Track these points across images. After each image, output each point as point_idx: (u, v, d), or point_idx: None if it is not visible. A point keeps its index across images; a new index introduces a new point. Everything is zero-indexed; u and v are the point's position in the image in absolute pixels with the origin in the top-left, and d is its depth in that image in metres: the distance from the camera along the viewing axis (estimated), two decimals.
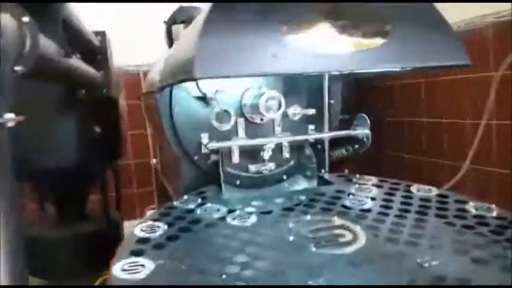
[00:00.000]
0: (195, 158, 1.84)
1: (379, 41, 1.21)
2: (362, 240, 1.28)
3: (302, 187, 1.95)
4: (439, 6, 1.28)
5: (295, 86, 1.98)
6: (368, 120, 1.91)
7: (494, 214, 1.42)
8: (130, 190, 4.03)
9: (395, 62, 1.22)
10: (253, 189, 1.92)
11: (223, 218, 1.46)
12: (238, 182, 1.91)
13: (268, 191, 1.93)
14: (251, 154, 1.91)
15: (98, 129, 2.80)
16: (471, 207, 1.49)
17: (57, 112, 2.79)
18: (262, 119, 1.91)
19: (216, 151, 1.82)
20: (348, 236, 1.31)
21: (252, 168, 1.93)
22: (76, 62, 2.10)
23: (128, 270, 1.09)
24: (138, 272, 1.08)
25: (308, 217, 1.47)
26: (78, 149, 2.85)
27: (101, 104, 2.84)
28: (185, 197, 1.65)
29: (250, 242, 1.27)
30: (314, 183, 1.92)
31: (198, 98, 1.82)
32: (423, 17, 1.28)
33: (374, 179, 1.86)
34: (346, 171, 2.17)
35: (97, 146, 2.86)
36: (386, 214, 1.48)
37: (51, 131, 2.79)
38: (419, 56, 1.25)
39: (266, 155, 1.86)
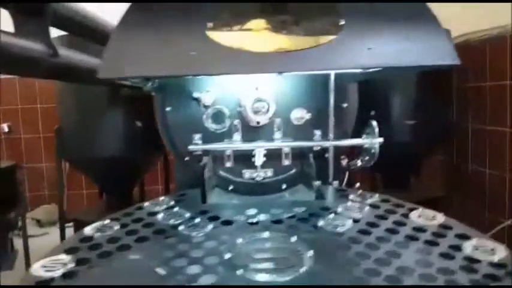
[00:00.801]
0: (186, 158, 1.80)
1: (326, 38, 1.02)
2: (303, 268, 1.11)
3: (304, 199, 1.77)
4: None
5: (300, 86, 1.81)
6: (376, 129, 1.66)
7: (496, 258, 1.10)
8: None
9: (347, 61, 1.02)
10: (248, 196, 1.82)
11: (177, 225, 1.39)
12: (231, 187, 1.83)
13: (264, 199, 1.80)
14: (247, 159, 1.81)
15: (139, 123, 2.95)
16: (470, 245, 1.18)
17: (104, 109, 3.02)
18: (258, 122, 1.78)
19: (208, 153, 1.76)
20: (291, 262, 1.14)
21: (246, 174, 1.82)
22: None
23: (48, 267, 1.11)
24: (55, 270, 1.09)
25: (266, 234, 1.33)
26: (122, 143, 3.04)
27: (142, 100, 2.98)
28: (162, 198, 1.63)
29: (182, 254, 1.19)
30: (312, 195, 1.73)
31: (194, 98, 1.77)
32: (395, 8, 1.05)
33: (376, 197, 1.61)
34: (358, 185, 1.92)
35: (139, 140, 3.01)
36: (358, 241, 1.25)
37: (100, 127, 3.03)
38: (384, 55, 1.02)
39: (258, 161, 1.73)
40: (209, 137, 1.77)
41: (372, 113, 3.72)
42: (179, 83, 1.74)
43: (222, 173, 1.82)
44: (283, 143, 1.75)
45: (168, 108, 1.77)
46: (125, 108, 2.97)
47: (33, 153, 4.98)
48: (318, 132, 1.83)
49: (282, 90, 1.78)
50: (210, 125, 1.78)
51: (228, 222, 1.43)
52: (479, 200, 3.74)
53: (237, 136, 1.79)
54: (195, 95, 1.68)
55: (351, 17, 1.01)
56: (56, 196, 5.07)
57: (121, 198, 3.29)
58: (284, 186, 1.84)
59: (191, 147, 1.68)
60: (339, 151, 1.87)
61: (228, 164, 1.80)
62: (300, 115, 1.80)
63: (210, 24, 1.00)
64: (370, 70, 1.19)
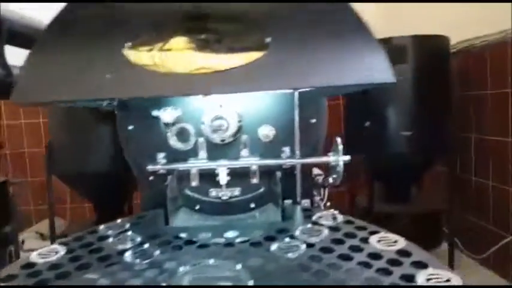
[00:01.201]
0: (150, 178, 1.76)
1: (251, 57, 0.96)
2: None
3: (272, 219, 1.70)
4: None
5: (267, 102, 1.75)
6: (340, 146, 1.58)
7: None
8: None
9: (273, 83, 0.95)
10: (213, 216, 1.76)
11: (124, 251, 1.34)
12: (198, 207, 1.77)
13: (227, 220, 1.74)
14: (213, 177, 1.75)
15: None
16: (424, 275, 1.09)
17: (93, 124, 3.03)
18: (223, 140, 1.73)
19: (172, 172, 1.72)
20: None
21: (213, 192, 1.76)
22: None
23: None
24: None
25: (212, 261, 1.26)
26: (111, 158, 3.03)
27: None
28: (118, 220, 1.59)
29: (119, 283, 1.13)
30: (278, 216, 1.66)
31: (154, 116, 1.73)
32: (328, 23, 0.98)
33: (340, 219, 1.52)
34: (328, 204, 1.84)
35: None
36: (307, 268, 1.17)
37: (89, 142, 3.04)
38: (313, 75, 0.95)
39: (222, 180, 1.68)
40: (174, 155, 1.73)
41: (367, 123, 3.63)
42: (140, 100, 1.71)
43: (188, 192, 1.77)
44: (244, 161, 1.69)
45: (130, 127, 1.73)
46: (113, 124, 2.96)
47: (37, 167, 5.05)
48: (286, 149, 1.75)
49: (248, 106, 1.73)
50: (174, 143, 1.73)
51: (177, 247, 1.37)
52: (483, 213, 3.57)
53: (202, 154, 1.74)
54: (154, 113, 1.64)
55: (278, 34, 0.95)
56: (61, 209, 5.13)
57: (111, 212, 3.28)
58: (253, 205, 1.78)
59: (150, 167, 1.63)
60: (309, 168, 1.79)
61: (194, 183, 1.75)
62: (267, 132, 1.74)
63: (128, 44, 0.96)
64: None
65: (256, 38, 0.95)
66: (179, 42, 0.96)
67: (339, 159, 1.57)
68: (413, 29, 3.32)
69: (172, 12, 0.96)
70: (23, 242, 4.30)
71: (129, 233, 1.48)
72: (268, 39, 0.95)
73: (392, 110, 3.42)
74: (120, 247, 1.37)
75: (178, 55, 0.95)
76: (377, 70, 0.93)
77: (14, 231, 3.36)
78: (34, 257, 1.32)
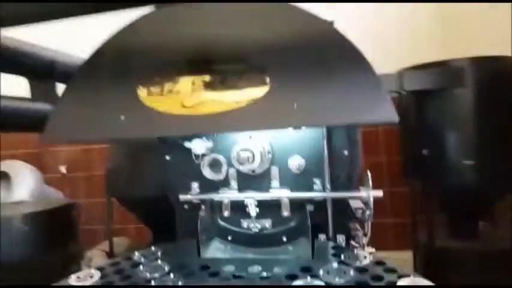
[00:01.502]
0: (185, 206, 1.81)
1: (250, 97, 0.97)
2: None
3: (303, 254, 1.66)
4: None
5: (298, 133, 1.73)
6: (370, 181, 1.50)
7: None
8: None
9: (273, 121, 0.95)
10: (247, 248, 1.76)
11: (150, 280, 1.38)
12: (230, 237, 1.78)
13: (262, 252, 1.72)
14: (245, 208, 1.75)
15: None
16: None
17: (151, 148, 3.20)
18: (253, 171, 1.73)
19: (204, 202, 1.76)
20: None
21: (244, 224, 1.76)
22: None
23: None
24: None
25: None
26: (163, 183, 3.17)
27: None
28: (153, 248, 1.65)
29: None
30: (308, 251, 1.61)
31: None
32: (329, 62, 0.96)
33: (369, 259, 1.44)
34: (365, 240, 1.73)
35: None
36: None
37: (146, 165, 3.21)
38: (313, 112, 0.94)
39: (251, 211, 1.67)
40: (207, 185, 1.77)
41: (425, 152, 3.42)
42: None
43: (220, 222, 1.79)
44: (269, 194, 1.67)
45: (167, 157, 1.81)
46: None
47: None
48: (318, 181, 1.71)
49: (279, 137, 1.73)
50: (207, 173, 1.77)
51: (200, 279, 1.38)
52: None
53: (233, 185, 1.76)
54: (187, 145, 1.70)
55: (278, 73, 0.95)
56: (127, 229, 5.43)
57: (166, 235, 3.40)
58: (285, 239, 1.74)
59: (181, 197, 1.68)
60: (345, 201, 1.72)
61: (226, 213, 1.77)
62: (297, 163, 1.71)
63: (140, 88, 1.02)
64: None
65: (258, 78, 0.96)
66: (186, 83, 1.00)
67: (368, 194, 1.50)
68: (473, 50, 3.10)
69: (179, 55, 1.01)
70: (90, 259, 4.61)
71: (159, 261, 1.53)
72: (269, 79, 0.96)
73: (453, 137, 3.18)
74: (148, 276, 1.42)
75: (185, 96, 0.99)
76: (378, 110, 0.89)
77: (78, 250, 3.63)
78: (72, 280, 1.41)
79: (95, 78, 1.06)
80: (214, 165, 1.76)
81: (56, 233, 3.19)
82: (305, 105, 0.92)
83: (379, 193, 1.52)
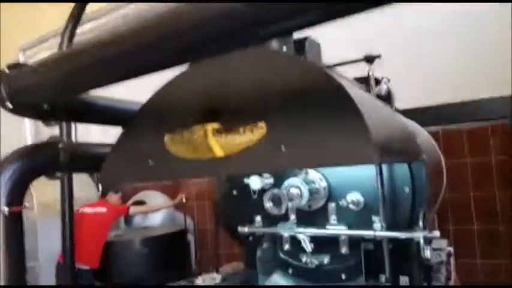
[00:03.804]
0: (250, 238, 1.92)
1: (248, 141, 1.06)
2: None
3: None
4: None
5: (356, 169, 1.69)
6: (421, 221, 1.38)
7: None
8: None
9: (263, 165, 1.03)
10: (306, 282, 1.77)
11: None
12: (291, 271, 1.82)
13: None
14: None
15: None
16: None
17: None
18: (309, 206, 1.75)
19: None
20: None
21: (303, 258, 1.78)
22: None
23: None
24: None
25: None
26: None
27: None
28: (215, 275, 1.79)
29: None
30: None
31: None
32: (318, 107, 1.00)
33: None
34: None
35: None
36: None
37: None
38: (299, 156, 0.98)
39: (306, 246, 1.69)
40: (269, 219, 1.85)
41: None
42: None
43: (282, 255, 1.84)
44: (315, 230, 1.66)
45: (234, 192, 1.96)
46: None
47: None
48: (376, 219, 1.63)
49: (337, 173, 1.72)
50: (268, 207, 1.85)
51: None
52: None
53: (292, 219, 1.80)
54: (246, 181, 1.82)
55: (270, 118, 1.02)
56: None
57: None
58: (343, 276, 1.70)
59: (240, 229, 1.80)
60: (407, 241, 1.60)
61: (286, 247, 1.81)
62: (355, 199, 1.67)
63: (166, 136, 1.20)
64: None
65: (255, 124, 1.04)
66: (199, 131, 1.14)
67: (420, 235, 1.38)
68: None
69: (193, 108, 1.16)
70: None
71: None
72: (263, 125, 1.03)
73: None
74: None
75: (196, 143, 1.14)
76: (361, 153, 0.87)
77: (189, 272, 4.00)
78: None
79: (138, 128, 1.29)
80: (275, 200, 1.84)
81: (168, 256, 3.62)
82: (293, 149, 0.96)
83: (435, 234, 1.39)
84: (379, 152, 0.88)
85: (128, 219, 4.94)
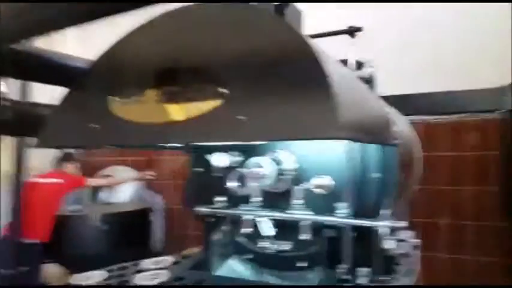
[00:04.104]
0: (208, 220, 1.80)
1: (205, 108, 0.92)
2: None
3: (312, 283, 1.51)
4: None
5: (327, 150, 1.58)
6: (386, 211, 1.29)
7: None
8: None
9: (218, 135, 0.89)
10: (262, 269, 1.67)
11: None
12: (248, 256, 1.71)
13: (281, 276, 1.61)
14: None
15: None
16: None
17: None
18: (276, 188, 1.63)
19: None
20: None
21: (262, 244, 1.67)
22: None
23: None
24: None
25: None
26: None
27: None
28: (166, 257, 1.67)
29: None
30: (315, 281, 1.45)
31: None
32: (284, 76, 0.87)
33: None
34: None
35: None
36: None
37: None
38: (260, 127, 0.85)
39: (266, 230, 1.58)
40: (233, 199, 1.73)
41: None
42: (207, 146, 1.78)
43: (239, 239, 1.73)
44: (282, 214, 1.55)
45: (195, 169, 1.82)
46: None
47: None
48: (341, 206, 1.53)
49: (309, 154, 1.60)
50: (232, 187, 1.73)
51: None
52: None
53: (255, 201, 1.69)
54: (208, 157, 1.69)
55: (233, 84, 0.88)
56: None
57: None
58: (301, 264, 1.60)
59: (197, 210, 1.67)
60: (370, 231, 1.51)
61: (246, 230, 1.70)
62: (323, 183, 1.56)
63: (112, 98, 1.04)
64: None
65: (214, 89, 0.90)
66: (150, 95, 1.00)
67: (383, 224, 1.28)
68: None
69: (146, 69, 1.01)
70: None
71: (164, 271, 1.54)
72: (225, 90, 0.89)
73: None
74: (144, 283, 1.44)
75: (148, 107, 0.99)
76: (329, 126, 0.75)
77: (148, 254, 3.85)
78: (76, 278, 1.50)
79: (84, 88, 1.13)
80: (238, 179, 1.71)
81: (128, 234, 3.45)
82: (255, 120, 0.83)
83: (402, 224, 1.29)
84: (347, 128, 0.76)
85: (94, 195, 4.75)
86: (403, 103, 2.42)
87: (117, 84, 1.06)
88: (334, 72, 0.85)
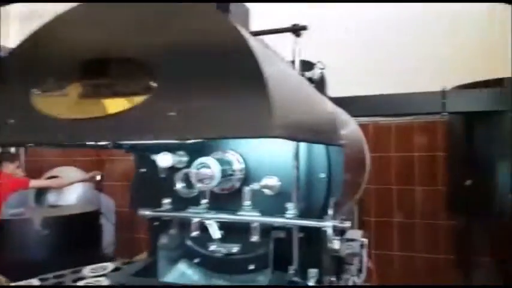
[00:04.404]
0: (155, 223, 1.73)
1: (133, 102, 0.86)
2: None
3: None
4: None
5: (276, 150, 1.56)
6: (330, 210, 1.28)
7: None
8: None
9: (144, 132, 0.83)
10: (211, 273, 1.62)
11: None
12: (197, 260, 1.66)
13: (232, 280, 1.57)
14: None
15: None
16: None
17: None
18: (223, 190, 1.60)
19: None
20: None
21: (211, 247, 1.62)
22: None
23: None
24: None
25: None
26: None
27: None
28: (108, 264, 1.59)
29: None
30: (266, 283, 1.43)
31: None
32: (217, 70, 0.83)
33: None
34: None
35: None
36: None
37: None
38: (188, 125, 0.80)
39: (213, 233, 1.53)
40: (178, 201, 1.67)
41: (468, 182, 2.98)
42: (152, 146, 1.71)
43: (188, 242, 1.68)
44: (229, 216, 1.52)
45: (141, 170, 1.75)
46: None
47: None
48: (291, 206, 1.52)
49: (257, 155, 1.58)
50: (179, 189, 1.67)
51: None
52: None
53: (203, 203, 1.64)
54: (153, 157, 1.62)
55: (162, 77, 0.83)
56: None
57: None
58: (251, 267, 1.57)
59: (140, 213, 1.60)
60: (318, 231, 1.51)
61: (194, 234, 1.64)
62: (270, 183, 1.54)
63: (32, 91, 0.96)
64: None
65: (144, 83, 0.85)
66: (75, 88, 0.92)
67: (328, 224, 1.28)
68: None
69: (71, 59, 0.94)
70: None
71: (103, 278, 1.45)
72: (155, 84, 0.84)
73: (504, 167, 2.73)
74: None
75: (73, 101, 0.92)
76: (263, 124, 0.72)
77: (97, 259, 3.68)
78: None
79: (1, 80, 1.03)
80: (185, 180, 1.66)
81: (75, 239, 3.26)
82: (185, 116, 0.78)
83: (345, 225, 1.30)
84: (281, 126, 0.73)
85: (40, 198, 4.48)
86: (353, 104, 2.46)
87: (39, 75, 0.97)
88: (273, 70, 0.82)
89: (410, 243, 3.86)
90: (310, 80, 2.46)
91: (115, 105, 0.86)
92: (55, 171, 4.66)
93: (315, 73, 2.40)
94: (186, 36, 0.85)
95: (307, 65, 2.51)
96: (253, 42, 0.83)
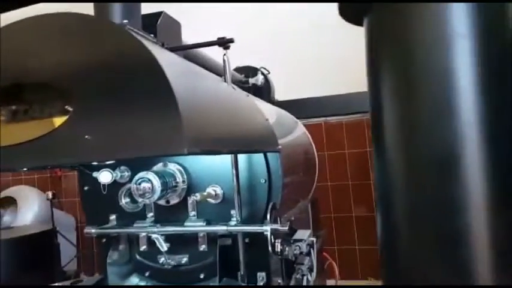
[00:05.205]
0: (103, 240, 1.71)
1: (50, 126, 0.86)
2: None
3: None
4: None
5: (216, 161, 1.59)
6: (268, 214, 1.33)
7: None
8: None
9: (62, 156, 0.84)
10: (165, 283, 1.62)
11: None
12: (148, 273, 1.66)
13: None
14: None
15: None
16: None
17: None
18: (168, 202, 1.61)
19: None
20: None
21: (161, 259, 1.63)
22: None
23: None
24: None
25: None
26: None
27: None
28: (56, 284, 1.56)
29: None
30: None
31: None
32: (129, 93, 0.84)
33: None
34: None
35: None
36: None
37: None
38: (102, 146, 0.82)
39: (161, 246, 1.54)
40: (125, 216, 1.66)
41: None
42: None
43: (138, 257, 1.67)
44: (174, 228, 1.54)
45: (86, 188, 1.73)
46: None
47: None
48: (234, 214, 1.55)
49: (197, 166, 1.60)
50: (124, 204, 1.67)
51: None
52: None
53: (149, 217, 1.64)
54: (94, 174, 1.60)
55: (77, 100, 0.84)
56: None
57: None
58: (201, 275, 1.59)
59: (86, 231, 1.59)
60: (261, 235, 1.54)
61: (143, 248, 1.65)
62: (213, 192, 1.57)
63: None
64: None
65: (60, 106, 0.85)
66: None
67: (267, 228, 1.32)
68: None
69: None
70: None
71: None
72: (70, 108, 0.84)
73: None
74: None
75: None
76: (174, 142, 0.75)
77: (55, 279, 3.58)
78: None
79: None
80: (131, 196, 1.65)
81: (27, 260, 3.15)
82: (100, 138, 0.80)
83: (283, 228, 1.34)
84: (193, 142, 0.76)
85: None
86: (301, 107, 2.52)
87: None
88: (186, 87, 0.85)
89: (372, 237, 3.97)
90: (255, 85, 2.51)
91: (33, 130, 0.86)
92: (11, 191, 4.49)
93: (259, 79, 2.46)
94: (96, 58, 0.87)
95: (250, 71, 2.56)
96: (165, 59, 0.86)
